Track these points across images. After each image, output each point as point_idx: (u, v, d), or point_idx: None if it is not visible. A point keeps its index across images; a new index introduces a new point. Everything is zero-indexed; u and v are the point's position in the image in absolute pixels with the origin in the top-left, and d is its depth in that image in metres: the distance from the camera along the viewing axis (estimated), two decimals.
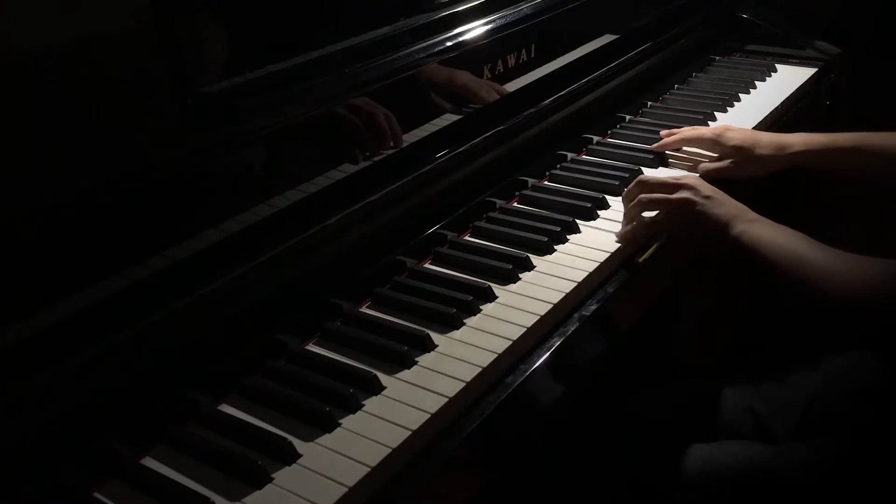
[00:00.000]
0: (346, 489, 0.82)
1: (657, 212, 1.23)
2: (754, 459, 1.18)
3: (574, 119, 1.54)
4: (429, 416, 0.90)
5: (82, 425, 0.83)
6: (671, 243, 1.28)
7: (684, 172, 1.43)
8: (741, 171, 1.41)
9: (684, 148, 1.50)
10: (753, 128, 1.61)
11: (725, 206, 1.19)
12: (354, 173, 1.11)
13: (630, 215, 1.25)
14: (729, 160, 1.42)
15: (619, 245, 1.22)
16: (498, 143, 1.35)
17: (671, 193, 1.23)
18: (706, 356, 1.91)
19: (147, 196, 0.89)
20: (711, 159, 1.46)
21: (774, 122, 1.70)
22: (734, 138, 1.42)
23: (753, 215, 1.18)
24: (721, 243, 1.17)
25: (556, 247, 1.22)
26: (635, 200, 1.25)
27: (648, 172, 1.44)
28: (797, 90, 1.80)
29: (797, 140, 1.41)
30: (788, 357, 1.39)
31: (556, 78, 1.47)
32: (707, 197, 1.20)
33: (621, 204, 1.31)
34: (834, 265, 1.07)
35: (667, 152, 1.51)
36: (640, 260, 1.24)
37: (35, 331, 0.80)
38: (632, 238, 1.23)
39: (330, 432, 0.89)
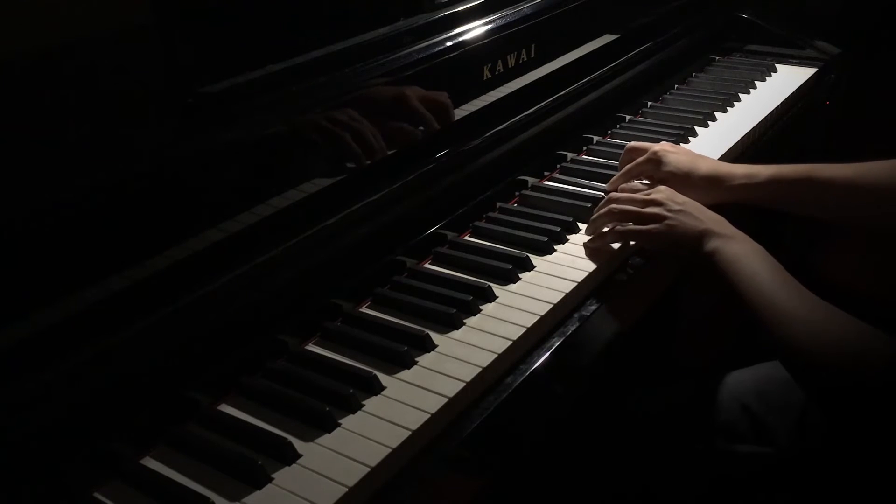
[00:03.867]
0: (346, 489, 0.82)
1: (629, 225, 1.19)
2: (753, 463, 1.18)
3: (574, 119, 1.54)
4: (429, 416, 0.90)
5: (82, 425, 0.83)
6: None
7: None
8: None
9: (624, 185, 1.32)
10: (754, 127, 1.62)
11: (698, 219, 1.14)
12: (354, 173, 1.11)
13: (597, 225, 1.21)
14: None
15: (619, 245, 1.22)
16: (498, 143, 1.35)
17: (641, 208, 1.18)
18: (706, 356, 1.91)
19: (147, 195, 0.89)
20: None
21: (774, 122, 1.70)
22: (669, 162, 1.27)
23: (730, 230, 1.12)
24: (698, 258, 1.12)
25: (556, 247, 1.22)
26: (604, 211, 1.20)
27: None
28: (797, 90, 1.80)
29: (739, 172, 1.25)
30: None
31: (556, 78, 1.47)
32: (678, 211, 1.15)
33: None
34: (797, 309, 1.00)
35: None
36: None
37: (35, 330, 0.80)
38: (599, 249, 1.19)
39: (330, 432, 0.89)
